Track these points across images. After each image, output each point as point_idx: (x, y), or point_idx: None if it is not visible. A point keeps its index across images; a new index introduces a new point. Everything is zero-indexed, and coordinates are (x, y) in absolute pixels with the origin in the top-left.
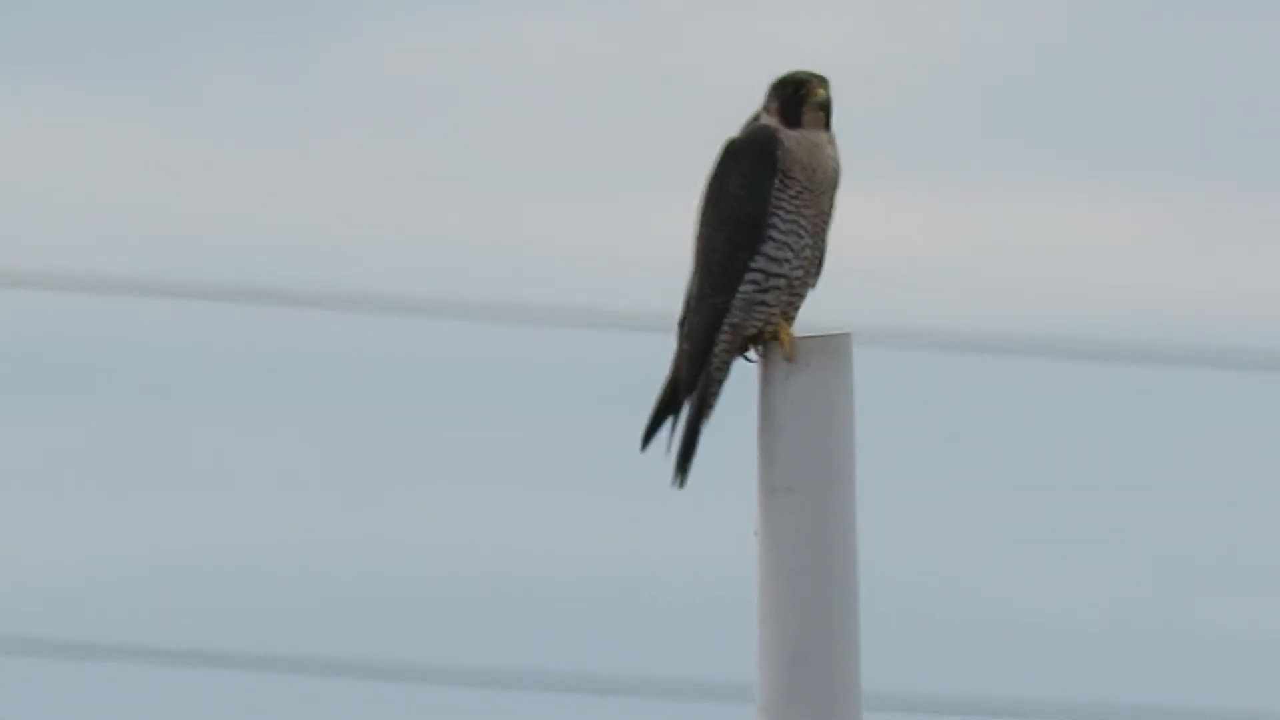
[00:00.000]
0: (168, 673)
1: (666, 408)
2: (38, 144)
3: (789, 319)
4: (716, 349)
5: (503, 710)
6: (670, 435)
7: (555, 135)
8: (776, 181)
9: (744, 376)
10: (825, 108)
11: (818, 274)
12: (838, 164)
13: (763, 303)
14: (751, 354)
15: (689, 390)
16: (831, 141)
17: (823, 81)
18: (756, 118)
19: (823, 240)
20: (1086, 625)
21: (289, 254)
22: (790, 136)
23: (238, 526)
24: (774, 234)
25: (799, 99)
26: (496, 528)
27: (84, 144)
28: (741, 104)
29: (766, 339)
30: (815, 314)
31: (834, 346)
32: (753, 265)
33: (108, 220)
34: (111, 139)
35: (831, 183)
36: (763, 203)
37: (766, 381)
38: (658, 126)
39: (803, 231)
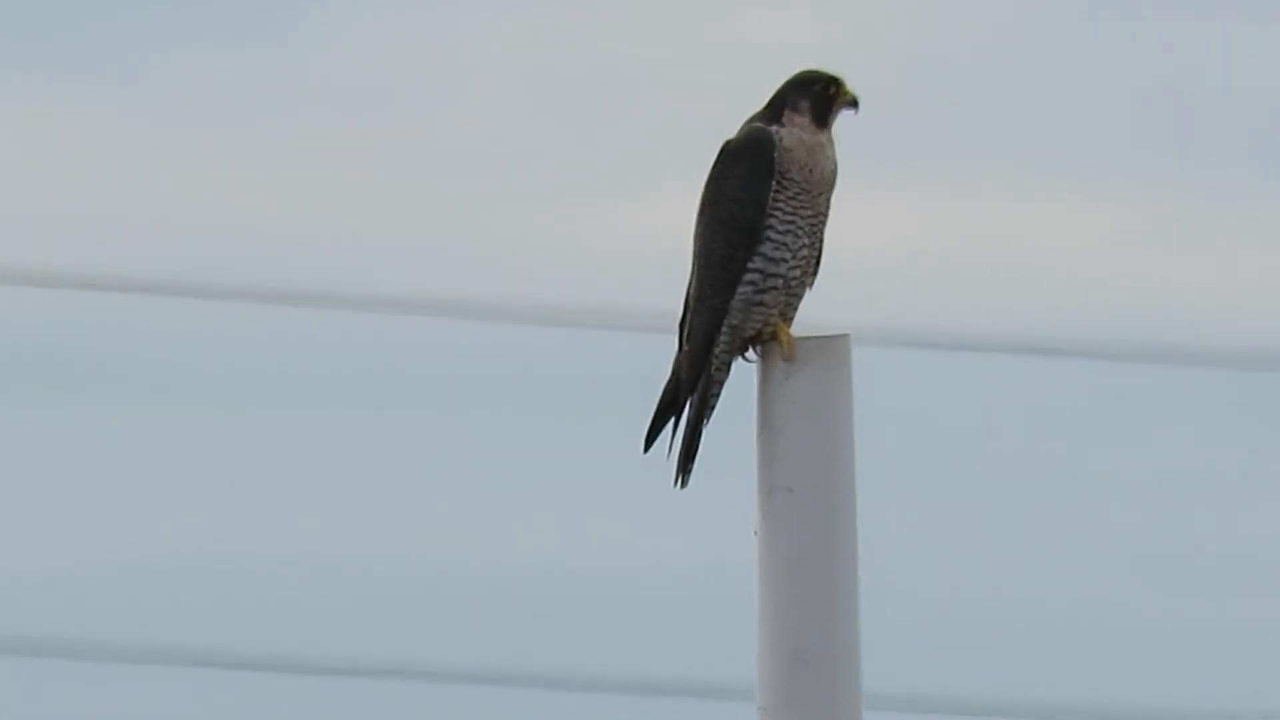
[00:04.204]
0: (164, 674)
1: (668, 409)
2: (9, 143)
3: (787, 319)
4: (716, 350)
5: (503, 710)
6: (672, 437)
7: (533, 133)
8: (773, 183)
9: (743, 377)
10: (855, 106)
11: (814, 274)
12: (835, 164)
13: (761, 303)
14: (750, 354)
15: (690, 391)
16: (830, 142)
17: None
18: (757, 117)
19: (819, 240)
20: (1086, 625)
21: (281, 254)
22: (788, 137)
23: (234, 527)
24: (771, 235)
25: (831, 98)
26: (497, 528)
27: (50, 143)
28: (716, 101)
29: (765, 340)
30: (813, 315)
31: (833, 347)
32: (750, 266)
33: (75, 219)
34: (79, 139)
35: (829, 183)
36: (760, 205)
37: (766, 382)
38: (635, 124)
39: (800, 232)
